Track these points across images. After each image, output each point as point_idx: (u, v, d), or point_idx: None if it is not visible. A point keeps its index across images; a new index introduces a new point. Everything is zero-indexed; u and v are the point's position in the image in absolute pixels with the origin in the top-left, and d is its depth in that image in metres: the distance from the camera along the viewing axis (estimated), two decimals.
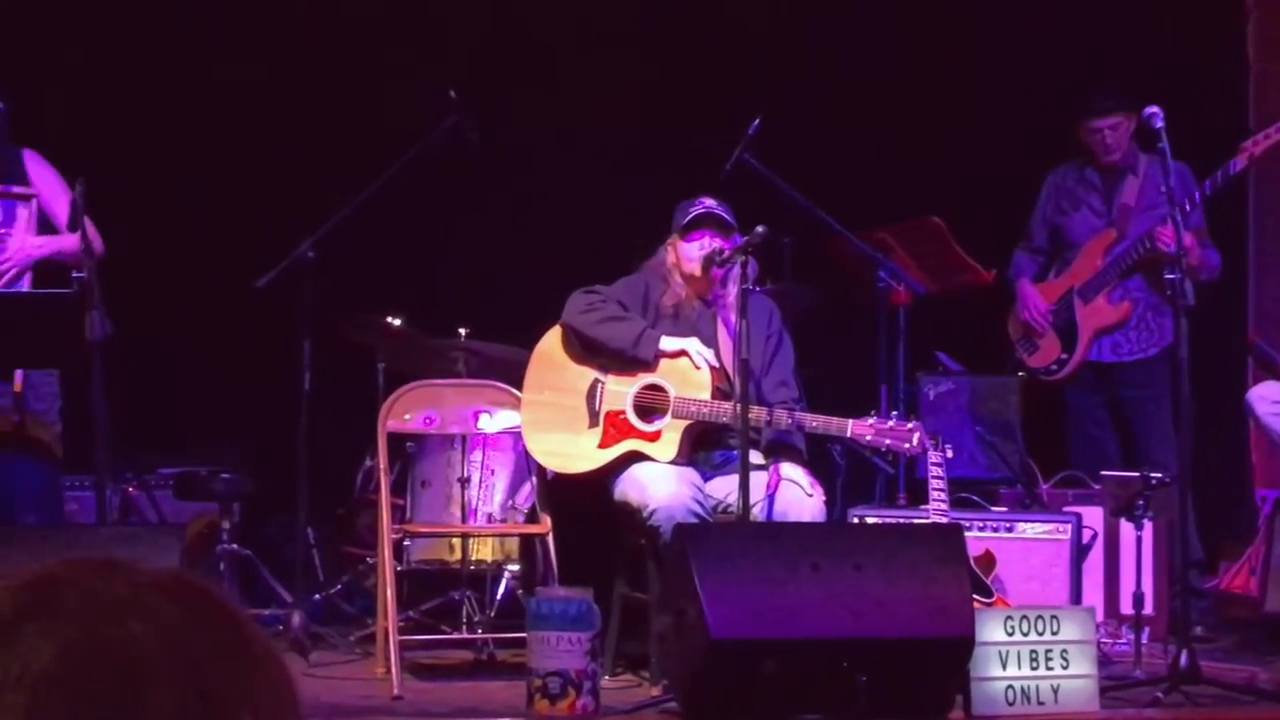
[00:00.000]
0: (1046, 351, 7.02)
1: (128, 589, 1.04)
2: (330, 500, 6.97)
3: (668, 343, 5.66)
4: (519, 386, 5.84)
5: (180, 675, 1.01)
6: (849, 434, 5.49)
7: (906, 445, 5.48)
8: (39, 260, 5.73)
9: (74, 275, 5.22)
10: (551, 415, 5.73)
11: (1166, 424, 6.69)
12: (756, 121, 5.83)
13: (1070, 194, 7.06)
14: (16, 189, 5.75)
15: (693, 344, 5.67)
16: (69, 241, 5.60)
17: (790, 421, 5.51)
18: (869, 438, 5.48)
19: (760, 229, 5.42)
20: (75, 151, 6.00)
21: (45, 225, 5.78)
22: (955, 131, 7.71)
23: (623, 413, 5.67)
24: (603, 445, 5.66)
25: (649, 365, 5.67)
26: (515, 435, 6.02)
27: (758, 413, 5.46)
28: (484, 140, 6.33)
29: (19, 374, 5.65)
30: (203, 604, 1.07)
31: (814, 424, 5.52)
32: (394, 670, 5.39)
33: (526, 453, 5.88)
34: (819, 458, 5.99)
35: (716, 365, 5.67)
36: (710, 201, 5.75)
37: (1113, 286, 6.89)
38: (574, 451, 5.69)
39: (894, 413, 5.66)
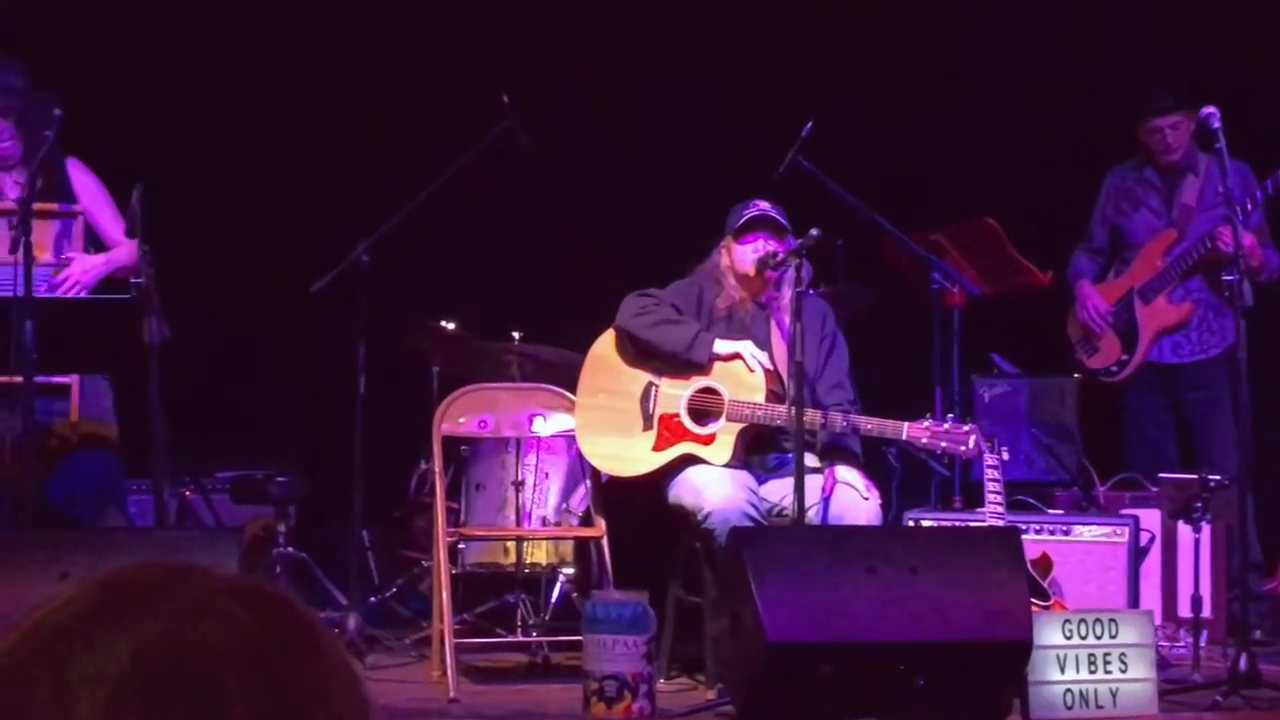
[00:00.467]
0: (1107, 353, 6.97)
1: (202, 592, 1.05)
2: (385, 503, 7.00)
3: (722, 345, 5.66)
4: (573, 390, 5.84)
5: (255, 677, 1.01)
6: (904, 436, 5.48)
7: (962, 448, 5.46)
8: (102, 278, 5.76)
9: (133, 281, 5.26)
10: (606, 418, 5.73)
11: (1228, 425, 6.62)
12: (810, 124, 5.81)
13: (1130, 194, 7.00)
14: (71, 208, 5.76)
15: (747, 347, 5.66)
16: (125, 255, 5.63)
17: (845, 424, 5.50)
18: (924, 440, 5.46)
19: (814, 231, 5.40)
20: (132, 156, 6.04)
21: (90, 233, 5.82)
22: (1010, 132, 7.67)
23: (677, 416, 5.67)
24: (657, 448, 5.66)
25: (703, 368, 5.67)
26: (569, 438, 6.03)
27: (812, 415, 5.44)
28: (536, 144, 6.34)
29: (74, 393, 5.66)
30: (275, 608, 1.07)
31: (869, 426, 5.51)
32: (449, 673, 5.40)
33: (580, 456, 5.89)
34: (874, 461, 5.97)
35: (770, 368, 5.66)
36: (764, 204, 5.74)
37: (1173, 287, 6.84)
38: (628, 455, 5.69)
39: (950, 415, 5.63)
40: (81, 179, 5.85)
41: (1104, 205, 7.07)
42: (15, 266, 5.15)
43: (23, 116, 5.69)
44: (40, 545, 4.67)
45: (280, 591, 1.10)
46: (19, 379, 5.14)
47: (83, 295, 5.66)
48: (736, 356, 5.65)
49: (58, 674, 1.00)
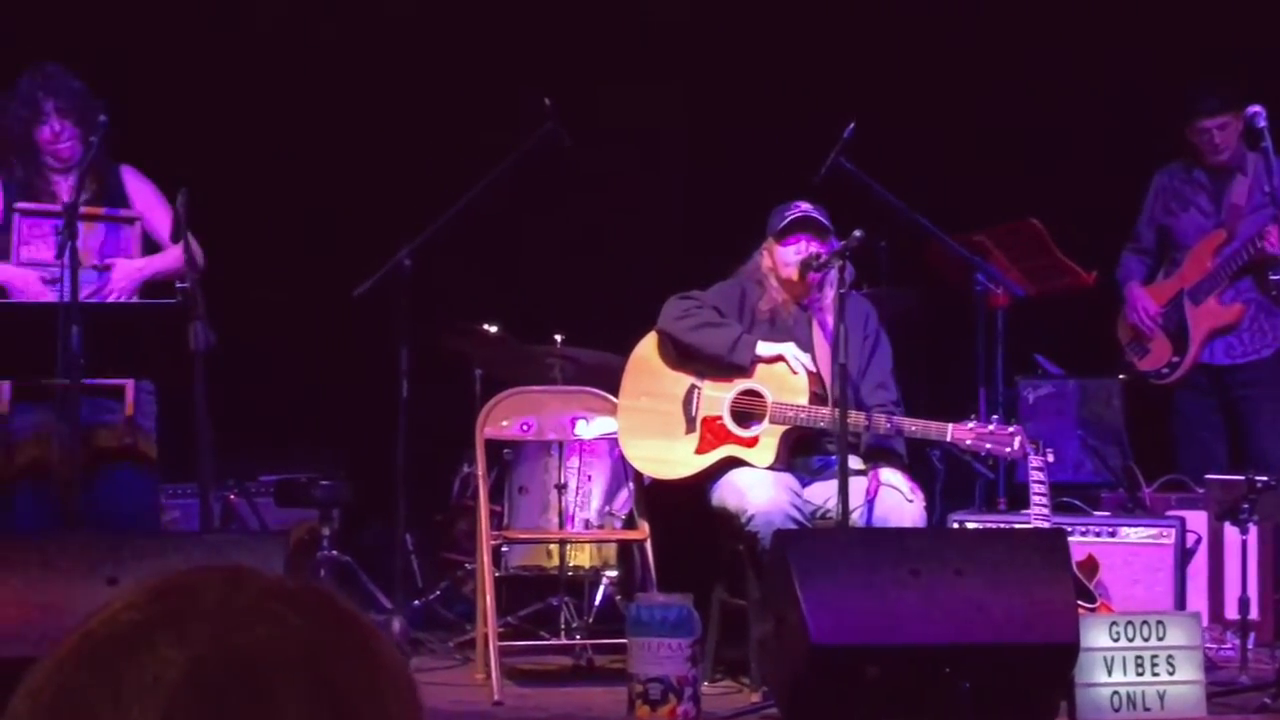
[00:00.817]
0: (1157, 354, 6.92)
1: (254, 596, 1.05)
2: (428, 506, 7.01)
3: (764, 348, 5.65)
4: (615, 392, 5.84)
5: (308, 681, 1.01)
6: (949, 438, 5.46)
7: (1007, 449, 5.44)
8: (142, 283, 5.79)
9: (178, 286, 5.28)
10: (648, 421, 5.73)
11: None
12: (851, 125, 5.80)
13: (1178, 194, 6.96)
14: (121, 212, 5.80)
15: (790, 349, 5.65)
16: (169, 260, 5.65)
17: (889, 426, 5.48)
18: (969, 442, 5.44)
19: (857, 233, 5.39)
20: (175, 162, 6.07)
21: (148, 240, 5.85)
22: (1055, 132, 7.64)
23: (720, 418, 5.66)
24: (700, 451, 5.66)
25: (746, 371, 5.66)
26: (612, 441, 6.03)
27: (856, 417, 5.43)
28: (578, 146, 6.34)
29: (129, 392, 5.70)
30: (328, 611, 1.07)
31: (913, 429, 5.49)
32: (494, 676, 5.41)
33: (623, 458, 5.88)
34: (918, 463, 5.95)
35: (813, 370, 5.64)
36: (806, 205, 5.73)
37: (1224, 288, 6.79)
38: (671, 457, 5.69)
39: (994, 417, 5.61)
40: (136, 185, 5.88)
41: (1152, 206, 7.02)
42: (62, 270, 5.18)
43: (82, 118, 5.72)
44: (87, 549, 4.69)
45: (331, 593, 1.10)
46: (66, 382, 5.17)
47: (118, 299, 5.70)
48: (779, 359, 5.64)
49: (113, 683, 1.00)
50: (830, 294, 5.59)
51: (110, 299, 5.66)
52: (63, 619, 4.20)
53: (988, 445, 5.44)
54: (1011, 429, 5.44)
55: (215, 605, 1.03)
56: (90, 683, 1.00)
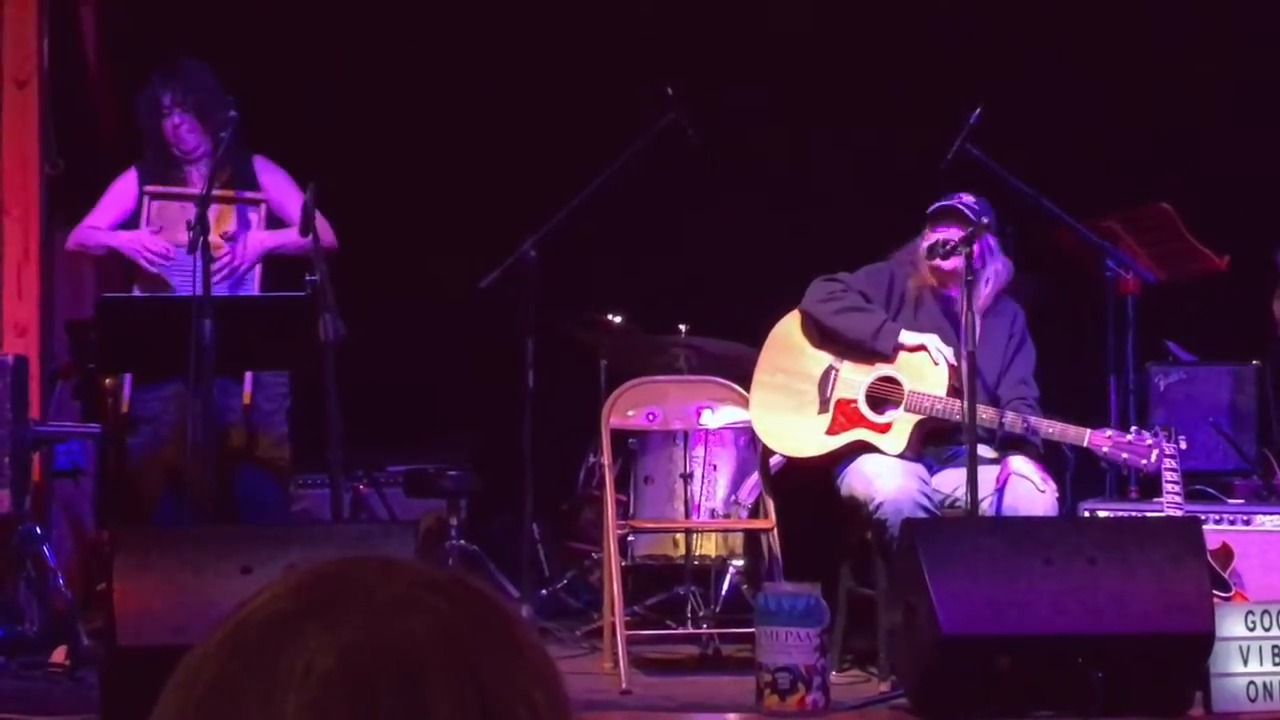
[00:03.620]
0: None
1: (406, 587, 1.05)
2: (554, 496, 7.05)
3: (907, 336, 5.59)
4: (740, 382, 5.83)
5: (458, 672, 1.02)
6: (1085, 444, 5.39)
7: (1144, 462, 5.35)
8: (269, 251, 5.89)
9: (307, 278, 5.34)
10: (782, 398, 5.70)
11: None
12: (978, 110, 5.74)
13: None
14: (248, 194, 5.93)
15: (933, 340, 5.58)
16: (298, 237, 5.74)
17: (1024, 426, 5.41)
18: (1106, 449, 5.36)
19: (984, 220, 5.34)
20: (304, 153, 6.15)
21: (277, 224, 5.95)
22: (1185, 113, 7.52)
23: (854, 402, 5.62)
24: (830, 432, 5.61)
25: (887, 357, 5.61)
26: (737, 431, 6.02)
27: (991, 415, 5.37)
28: (702, 136, 6.33)
29: (248, 381, 5.79)
30: (477, 602, 1.08)
31: (1050, 430, 5.42)
32: (622, 665, 5.42)
33: (749, 447, 5.87)
34: (1049, 451, 5.87)
35: (955, 363, 5.57)
36: (967, 197, 5.62)
37: None
38: (801, 435, 5.65)
39: (1134, 428, 5.51)
40: (269, 175, 5.99)
41: None
42: (194, 266, 5.28)
43: (205, 113, 5.83)
44: (222, 540, 4.77)
45: (481, 586, 1.10)
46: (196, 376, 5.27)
47: (249, 266, 5.79)
48: (921, 348, 5.58)
49: (265, 674, 1.00)
50: (981, 288, 5.49)
51: (231, 267, 5.77)
52: (201, 607, 4.29)
53: (1124, 455, 5.35)
54: (1150, 441, 5.34)
55: (366, 594, 1.04)
56: (241, 674, 1.01)
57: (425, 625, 1.03)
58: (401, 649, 1.01)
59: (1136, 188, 6.99)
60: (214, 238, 5.55)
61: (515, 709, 1.03)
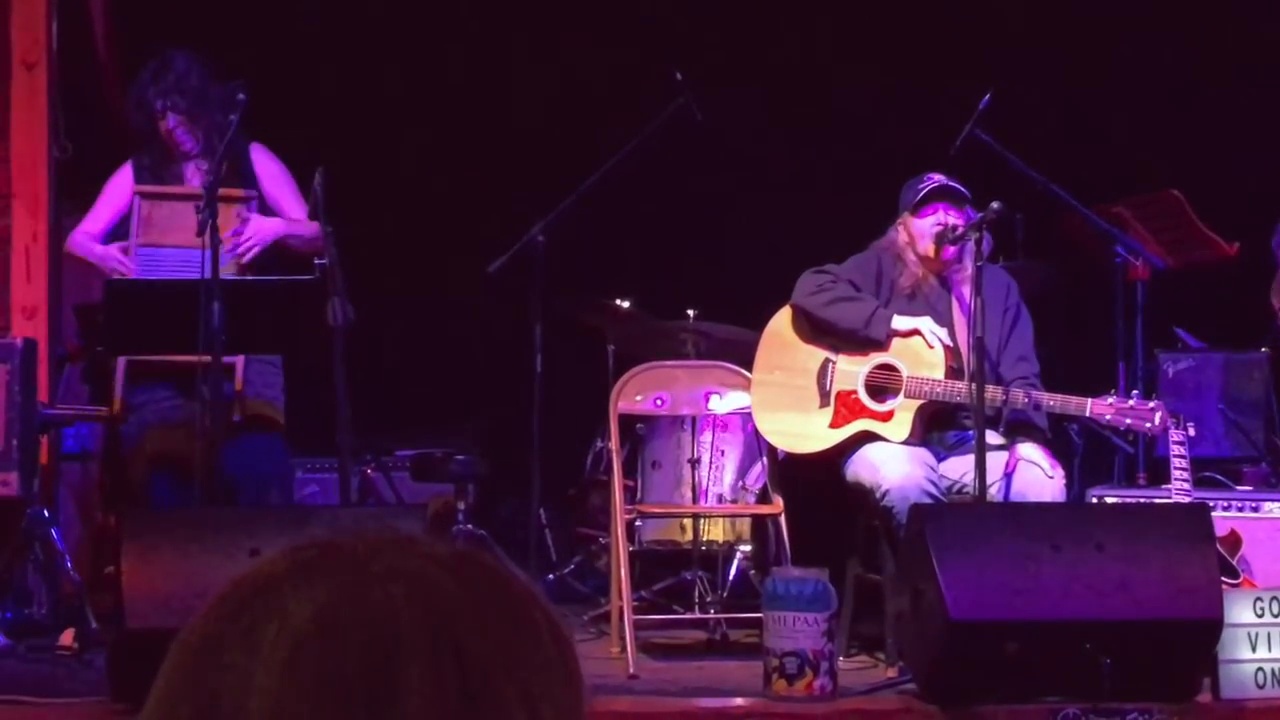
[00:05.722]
0: None
1: (401, 558, 1.06)
2: (561, 481, 7.05)
3: (900, 322, 5.60)
4: (748, 367, 5.83)
5: (439, 647, 1.01)
6: (1088, 413, 5.38)
7: (1147, 425, 5.36)
8: (279, 238, 5.87)
9: (316, 262, 5.34)
10: (782, 395, 5.71)
11: None
12: (987, 96, 5.73)
13: None
14: (239, 191, 5.85)
15: (925, 323, 5.59)
16: (307, 227, 5.73)
17: (1027, 401, 5.42)
18: (1109, 417, 5.37)
19: (995, 204, 5.32)
20: (312, 137, 6.15)
21: (269, 214, 5.93)
22: (1194, 99, 7.50)
23: (854, 392, 5.63)
24: (834, 425, 5.63)
25: (881, 345, 5.61)
26: (745, 416, 6.02)
27: (993, 392, 5.38)
28: (710, 121, 6.33)
29: (239, 367, 5.76)
30: (482, 579, 1.07)
31: (1052, 403, 5.42)
32: (629, 649, 5.42)
33: (756, 433, 5.87)
34: (1057, 437, 5.88)
35: (950, 344, 5.58)
36: (939, 176, 5.67)
37: None
38: (805, 431, 5.67)
39: (1134, 392, 5.53)
40: (264, 163, 5.97)
41: None
42: (202, 250, 5.27)
43: (194, 111, 5.83)
44: (230, 522, 4.78)
45: (493, 563, 1.09)
46: (194, 360, 5.26)
47: (260, 249, 5.77)
48: (915, 333, 5.59)
49: (248, 626, 1.03)
50: (969, 266, 5.52)
51: (253, 251, 5.75)
52: (210, 590, 4.28)
53: (1128, 420, 5.36)
54: (1152, 404, 5.36)
55: (360, 562, 1.05)
56: (228, 628, 1.03)
57: (410, 593, 1.03)
58: (380, 612, 1.02)
59: (1146, 174, 6.97)
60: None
61: (505, 696, 1.02)
